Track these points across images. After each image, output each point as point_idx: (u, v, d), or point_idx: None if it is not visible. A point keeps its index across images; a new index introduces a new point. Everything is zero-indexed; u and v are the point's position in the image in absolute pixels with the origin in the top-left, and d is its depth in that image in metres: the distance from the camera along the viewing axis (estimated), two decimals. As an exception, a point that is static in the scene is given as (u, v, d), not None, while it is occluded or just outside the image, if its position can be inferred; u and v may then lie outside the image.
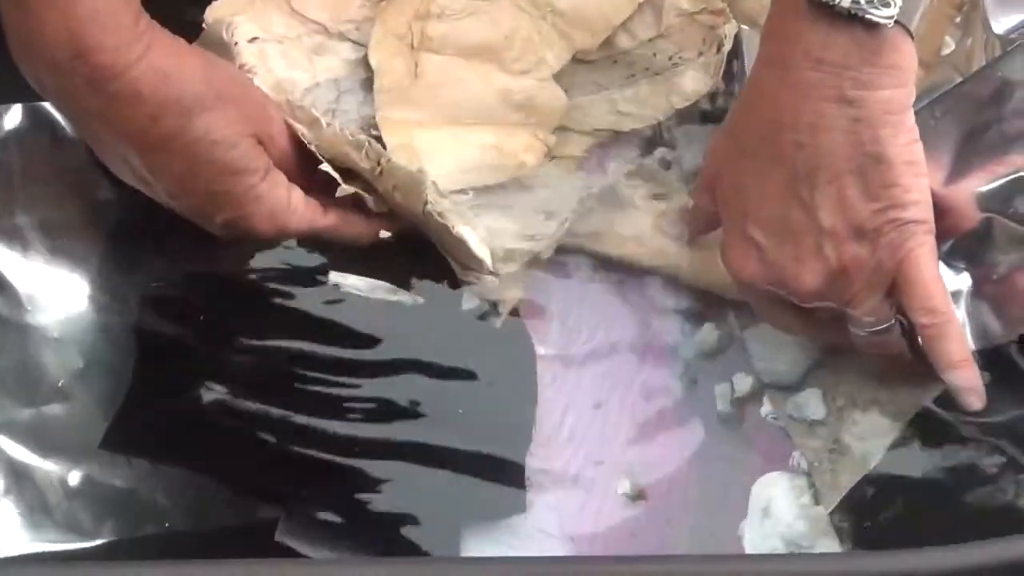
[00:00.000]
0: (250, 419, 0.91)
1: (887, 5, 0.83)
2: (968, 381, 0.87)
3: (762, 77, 0.89)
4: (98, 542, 0.89)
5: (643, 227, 0.97)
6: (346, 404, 0.92)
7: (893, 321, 0.88)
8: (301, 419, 0.91)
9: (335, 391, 0.92)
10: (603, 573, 0.81)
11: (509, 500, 0.90)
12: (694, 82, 1.00)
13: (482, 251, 0.94)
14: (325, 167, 0.92)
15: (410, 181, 0.93)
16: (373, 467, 0.90)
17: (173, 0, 0.93)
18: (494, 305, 0.95)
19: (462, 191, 0.96)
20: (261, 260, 0.95)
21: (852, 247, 0.86)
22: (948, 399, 0.90)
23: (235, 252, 0.95)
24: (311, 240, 0.94)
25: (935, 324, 0.87)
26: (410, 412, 0.92)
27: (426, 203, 0.92)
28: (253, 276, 0.95)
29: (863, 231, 0.86)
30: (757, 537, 0.90)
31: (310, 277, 0.95)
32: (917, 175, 0.86)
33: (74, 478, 0.90)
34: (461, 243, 0.94)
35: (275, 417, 0.91)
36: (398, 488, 0.90)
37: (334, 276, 0.95)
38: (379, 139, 0.96)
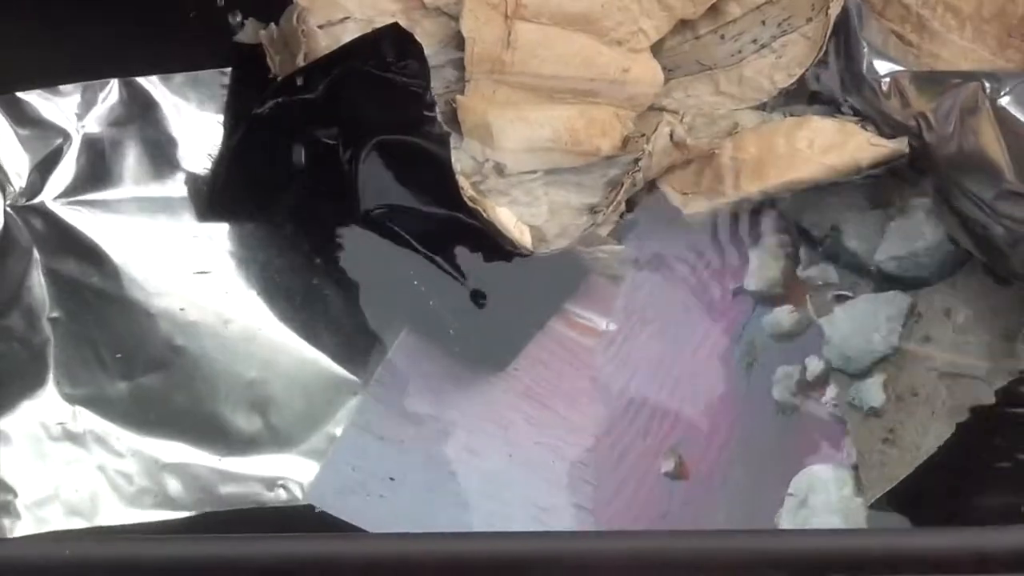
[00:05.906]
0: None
1: None
2: None
3: None
4: (188, 514, 0.90)
5: None
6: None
7: None
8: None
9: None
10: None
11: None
12: (798, 56, 0.98)
13: (520, 232, 0.93)
14: None
15: None
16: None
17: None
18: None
19: (531, 171, 0.96)
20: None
21: None
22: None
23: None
24: None
25: None
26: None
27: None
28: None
29: None
30: (791, 527, 0.88)
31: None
32: None
33: (165, 452, 0.91)
34: (493, 225, 0.93)
35: None
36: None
37: None
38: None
